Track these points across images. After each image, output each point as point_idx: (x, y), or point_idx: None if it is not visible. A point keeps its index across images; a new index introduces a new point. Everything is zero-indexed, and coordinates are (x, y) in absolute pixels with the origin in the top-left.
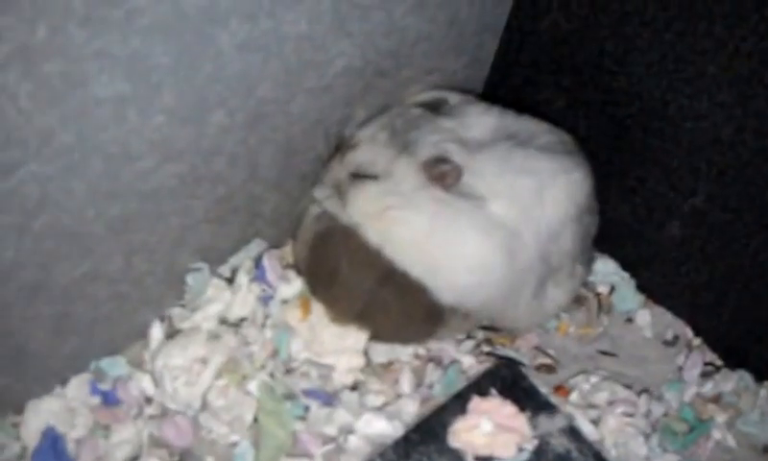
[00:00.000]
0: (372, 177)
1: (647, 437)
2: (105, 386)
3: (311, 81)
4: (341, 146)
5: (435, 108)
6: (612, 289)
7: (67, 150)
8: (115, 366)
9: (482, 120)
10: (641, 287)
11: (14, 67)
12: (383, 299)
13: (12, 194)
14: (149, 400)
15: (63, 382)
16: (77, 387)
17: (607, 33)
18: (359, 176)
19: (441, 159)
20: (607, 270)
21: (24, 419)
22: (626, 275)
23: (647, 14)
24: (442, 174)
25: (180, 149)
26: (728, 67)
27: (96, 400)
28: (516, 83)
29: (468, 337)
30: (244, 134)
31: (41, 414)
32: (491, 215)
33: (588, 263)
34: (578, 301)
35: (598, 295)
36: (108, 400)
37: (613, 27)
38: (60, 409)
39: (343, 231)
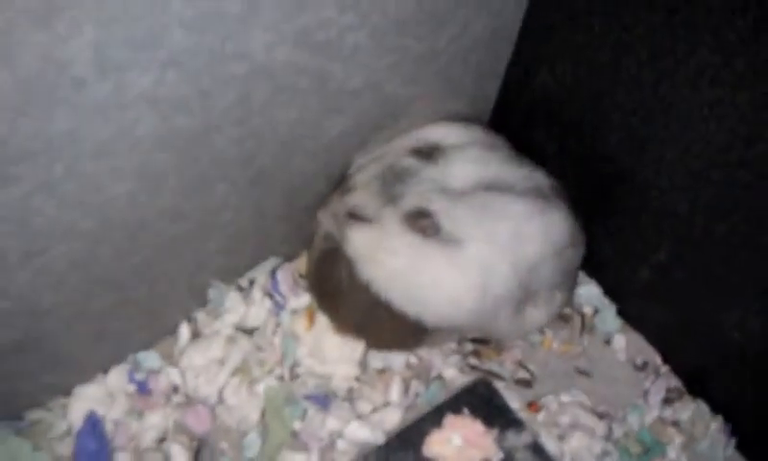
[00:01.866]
0: (364, 219)
1: (606, 455)
2: (140, 376)
3: (308, 146)
4: (342, 183)
5: (426, 154)
6: (596, 311)
7: (90, 232)
8: (149, 359)
9: (465, 171)
10: (621, 313)
11: (38, 195)
12: (377, 316)
13: (45, 267)
14: (176, 390)
15: (105, 371)
16: (116, 376)
17: (587, 103)
18: (354, 216)
19: (421, 213)
20: (591, 294)
21: (70, 402)
22: (607, 301)
23: (618, 97)
24: (421, 226)
25: (187, 212)
26: (683, 158)
27: (132, 387)
28: (516, 123)
29: (457, 351)
30: (247, 194)
31: (85, 398)
32: (466, 257)
33: (570, 290)
34: (563, 318)
35: (582, 315)
36: (142, 388)
37: (591, 100)
38: (101, 394)
39: (344, 256)
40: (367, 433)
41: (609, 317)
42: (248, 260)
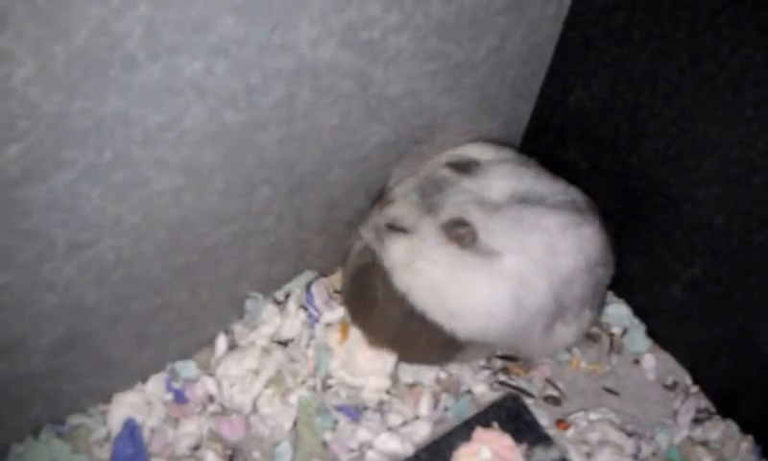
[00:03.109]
0: (404, 231)
1: None
2: (177, 385)
3: (347, 155)
4: (382, 196)
5: (464, 168)
6: (625, 332)
7: (135, 227)
8: (186, 368)
9: (501, 184)
10: (650, 333)
11: (85, 180)
12: (411, 329)
13: (91, 261)
14: (211, 400)
15: (144, 379)
16: (155, 384)
17: (622, 116)
18: (393, 227)
19: (458, 222)
20: (620, 314)
21: (110, 408)
22: (637, 320)
23: (655, 108)
24: (459, 236)
25: (231, 215)
26: (721, 166)
27: (169, 396)
28: (548, 143)
29: (486, 367)
30: (287, 200)
31: (124, 405)
32: (502, 269)
33: (599, 308)
34: (592, 338)
35: (611, 335)
36: (179, 397)
37: (628, 113)
38: (139, 402)
39: (380, 269)
40: (396, 445)
41: (638, 337)
42: (285, 273)
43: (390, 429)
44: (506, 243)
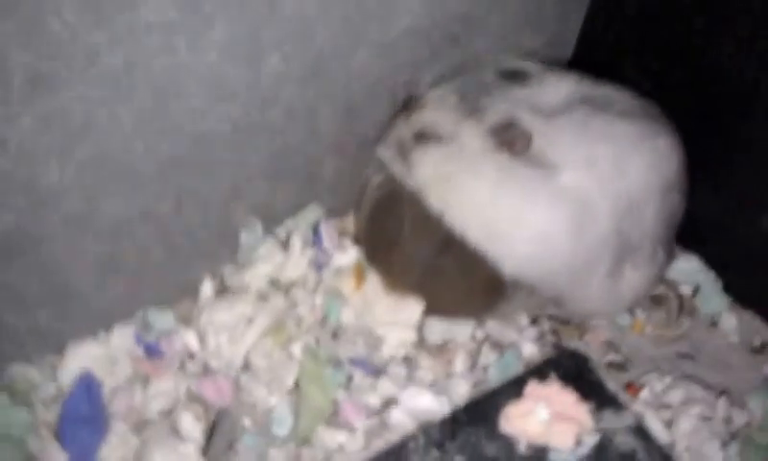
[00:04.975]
0: (437, 139)
1: (725, 444)
2: (149, 338)
3: (374, 34)
4: (408, 105)
5: (512, 77)
6: (696, 290)
7: (114, 74)
8: (162, 318)
9: (559, 85)
10: (728, 288)
11: None
12: (441, 267)
13: (54, 115)
14: (191, 357)
15: (108, 328)
16: (121, 335)
17: (695, 7)
18: (423, 137)
19: (510, 125)
20: (690, 268)
21: (63, 360)
22: (711, 274)
23: None
24: (510, 140)
25: (233, 90)
26: None
27: (139, 350)
28: (599, 65)
29: (533, 323)
30: (301, 86)
31: (81, 357)
32: (560, 185)
33: (671, 252)
34: (657, 301)
35: (680, 296)
36: (151, 351)
37: (700, 7)
38: (100, 355)
39: (404, 195)
40: (430, 400)
41: (713, 294)
42: (289, 202)
43: (420, 384)
44: (566, 154)
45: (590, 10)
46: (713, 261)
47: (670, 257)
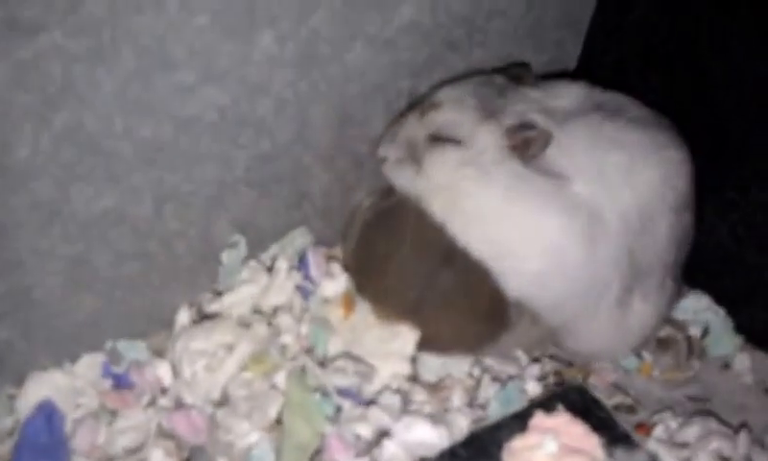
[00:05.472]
0: (454, 141)
1: None
2: (118, 369)
3: (372, 26)
4: (418, 105)
5: (518, 79)
6: (706, 331)
7: (96, 24)
8: (133, 349)
9: (570, 90)
10: (740, 328)
11: None
12: (441, 287)
13: (31, 66)
14: (164, 391)
15: (74, 358)
16: (88, 366)
17: (703, 13)
18: (440, 138)
19: (526, 125)
20: (699, 306)
21: (23, 390)
22: (721, 311)
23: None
24: (526, 140)
25: (223, 69)
26: None
27: (106, 383)
28: (602, 80)
29: (535, 360)
30: (294, 75)
31: (43, 387)
32: (572, 195)
33: (680, 286)
34: (664, 344)
35: (689, 338)
36: (120, 383)
37: (711, 5)
38: (64, 385)
39: (401, 209)
40: (427, 431)
41: (724, 335)
42: (275, 222)
43: (416, 414)
44: (578, 162)
45: (593, 22)
46: (723, 297)
47: (679, 292)
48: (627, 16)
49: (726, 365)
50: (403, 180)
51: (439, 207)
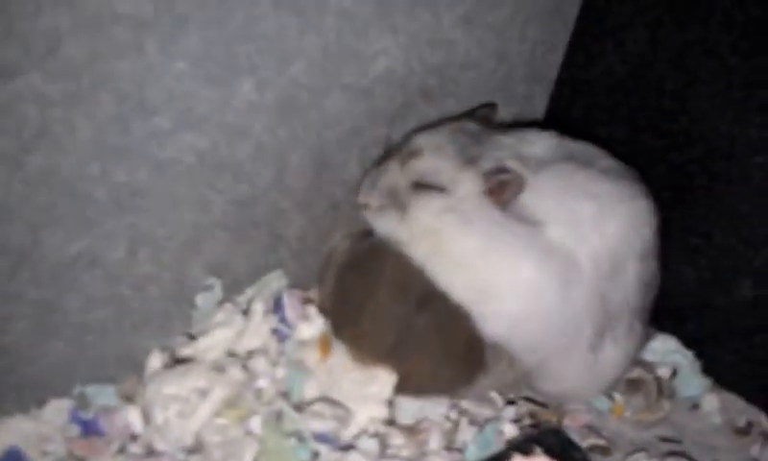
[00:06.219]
0: (438, 188)
1: None
2: (86, 415)
3: (350, 75)
4: (395, 152)
5: (487, 122)
6: (674, 373)
7: (75, 69)
8: (102, 394)
9: (542, 138)
10: (707, 369)
11: None
12: (418, 331)
13: (7, 109)
14: (134, 438)
15: (40, 404)
16: (55, 411)
17: (666, 68)
18: (423, 185)
19: (501, 169)
20: (667, 349)
21: None
22: (689, 354)
23: (710, 41)
24: (501, 183)
25: (201, 114)
26: None
27: (74, 429)
28: (569, 131)
29: (512, 401)
30: (273, 121)
31: (10, 434)
32: (547, 240)
33: (648, 330)
34: (634, 385)
35: (658, 379)
36: (89, 429)
37: (673, 60)
38: (30, 432)
39: (377, 253)
40: None
41: (692, 377)
42: (250, 266)
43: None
44: (551, 209)
45: (560, 76)
46: (691, 339)
47: (647, 336)
48: (592, 70)
49: (695, 406)
50: (387, 226)
51: (421, 252)
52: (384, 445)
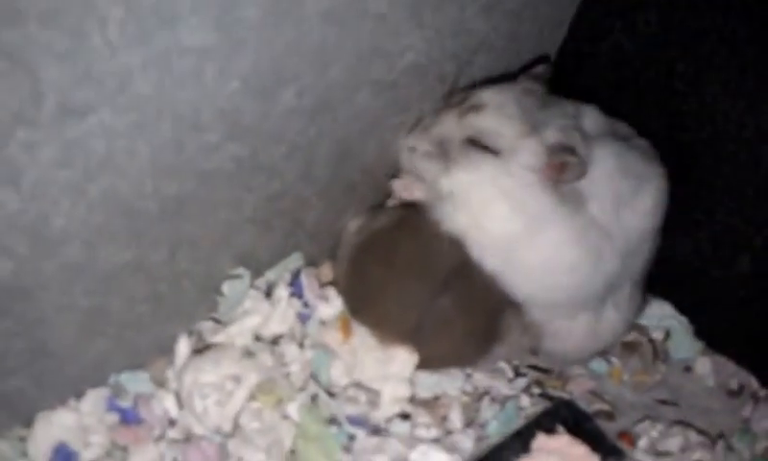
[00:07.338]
0: (495, 151)
1: None
2: (124, 403)
3: (379, 72)
4: (454, 99)
5: (544, 80)
6: (668, 335)
7: (142, 102)
8: (137, 381)
9: (588, 110)
10: (700, 333)
11: None
12: (440, 312)
13: (77, 145)
14: (172, 423)
15: (78, 395)
16: (93, 401)
17: (677, 52)
18: (479, 144)
19: (568, 148)
20: (662, 313)
21: (33, 432)
22: (683, 319)
23: (726, 29)
24: (563, 165)
25: (245, 125)
26: None
27: (114, 417)
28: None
29: (521, 373)
30: (307, 123)
31: (52, 428)
32: (589, 217)
33: (644, 295)
34: (630, 347)
35: (652, 341)
36: (128, 418)
37: (686, 45)
38: (73, 424)
39: (395, 234)
40: (443, 458)
41: (684, 340)
42: (271, 251)
43: (428, 442)
44: (597, 184)
45: (560, 55)
46: (685, 306)
47: (644, 301)
48: (599, 44)
49: (688, 368)
50: (427, 174)
51: (455, 219)
52: (412, 425)
